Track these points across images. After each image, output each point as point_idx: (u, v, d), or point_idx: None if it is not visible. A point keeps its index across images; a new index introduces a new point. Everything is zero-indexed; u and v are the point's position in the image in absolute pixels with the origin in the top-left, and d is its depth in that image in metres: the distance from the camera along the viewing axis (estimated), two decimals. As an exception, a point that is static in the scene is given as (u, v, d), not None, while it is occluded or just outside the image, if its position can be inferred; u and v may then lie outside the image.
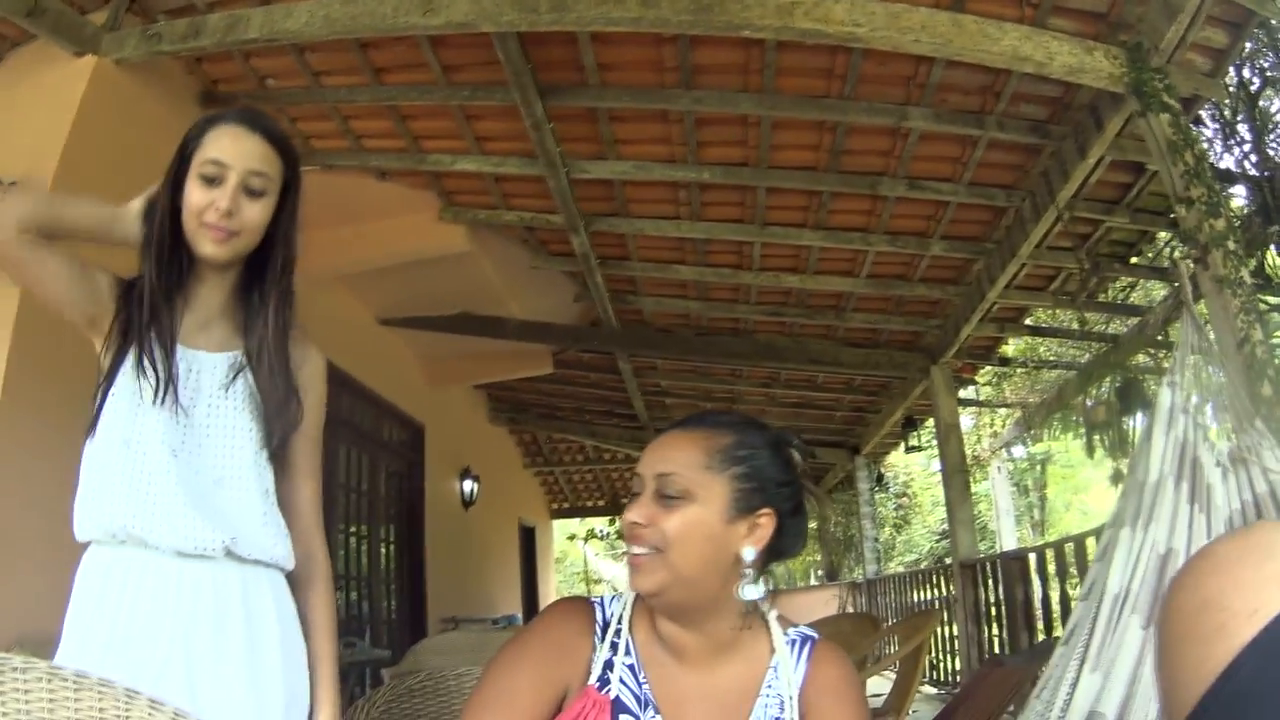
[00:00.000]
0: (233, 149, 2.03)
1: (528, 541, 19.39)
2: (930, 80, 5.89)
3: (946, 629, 10.55)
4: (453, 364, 12.50)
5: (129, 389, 2.00)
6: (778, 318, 10.01)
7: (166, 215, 2.04)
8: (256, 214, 2.06)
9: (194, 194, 2.01)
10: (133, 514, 1.95)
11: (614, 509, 22.62)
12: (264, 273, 2.17)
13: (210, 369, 2.10)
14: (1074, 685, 2.04)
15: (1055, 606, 7.72)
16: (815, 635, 1.83)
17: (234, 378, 2.10)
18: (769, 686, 1.73)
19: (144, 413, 2.00)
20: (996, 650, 8.56)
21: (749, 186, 7.35)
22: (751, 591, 1.71)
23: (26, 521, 4.47)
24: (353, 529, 10.96)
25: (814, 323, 10.04)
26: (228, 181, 2.00)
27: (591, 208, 7.90)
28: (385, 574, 11.92)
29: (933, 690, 9.76)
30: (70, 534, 2.02)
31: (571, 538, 31.39)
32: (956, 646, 10.29)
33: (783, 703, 1.72)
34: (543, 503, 21.39)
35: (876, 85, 6.06)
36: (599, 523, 28.45)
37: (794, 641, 1.78)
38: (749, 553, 1.70)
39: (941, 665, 10.86)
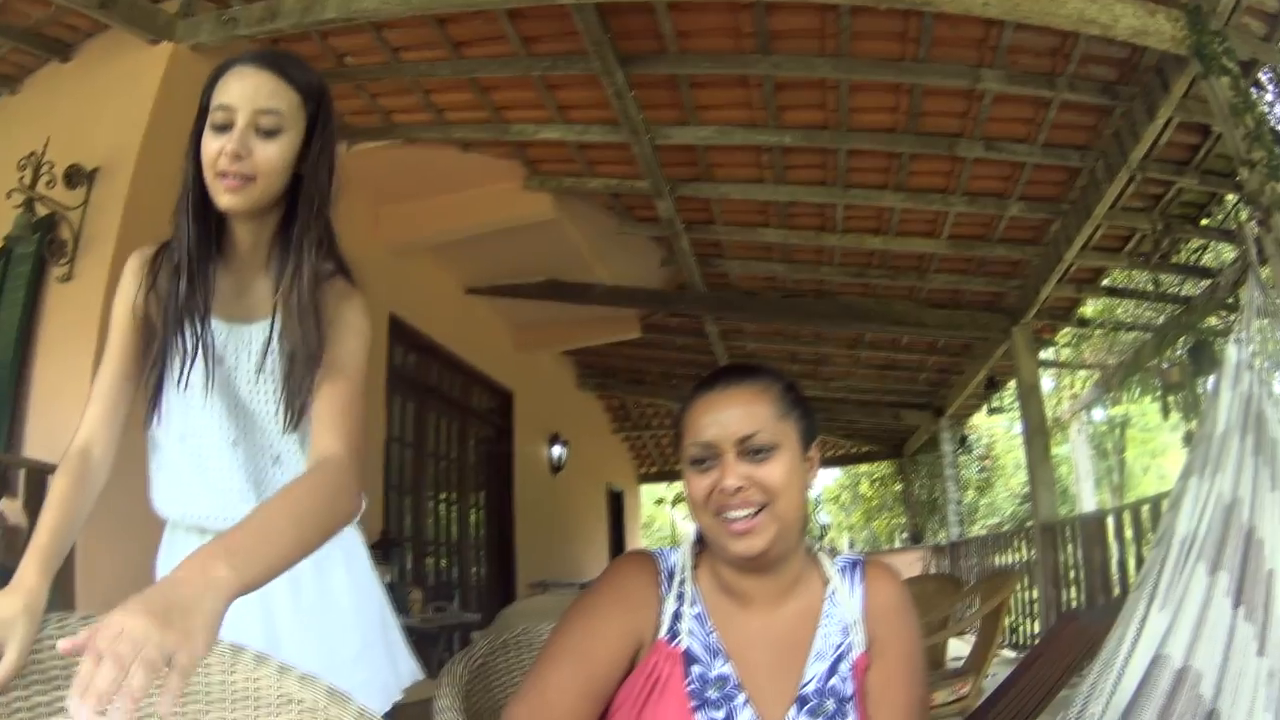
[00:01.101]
0: (239, 90, 1.84)
1: (615, 506, 19.50)
2: (1001, 42, 5.82)
3: (1026, 592, 10.47)
4: (541, 330, 12.60)
5: (180, 380, 1.95)
6: (861, 279, 9.95)
7: (191, 176, 1.89)
8: (272, 155, 1.85)
9: (207, 144, 1.84)
10: (199, 505, 2.01)
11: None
12: (294, 218, 1.96)
13: (247, 342, 1.98)
14: (1142, 623, 2.04)
15: (1132, 570, 7.65)
16: (861, 557, 1.87)
17: (268, 349, 1.95)
18: (826, 616, 1.76)
19: (194, 402, 1.96)
20: (1073, 613, 8.50)
21: (830, 149, 7.31)
22: (826, 516, 1.74)
23: (118, 499, 4.61)
24: (442, 496, 11.13)
25: (897, 284, 10.00)
26: (236, 124, 1.82)
27: (675, 173, 7.89)
28: (475, 539, 12.10)
29: (1011, 654, 9.67)
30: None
31: (659, 502, 31.48)
32: (1035, 609, 10.26)
33: (845, 628, 1.75)
34: (630, 467, 21.44)
35: (949, 48, 6.00)
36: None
37: (844, 567, 1.83)
38: (813, 483, 1.78)
39: (1021, 628, 10.78)
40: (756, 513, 1.65)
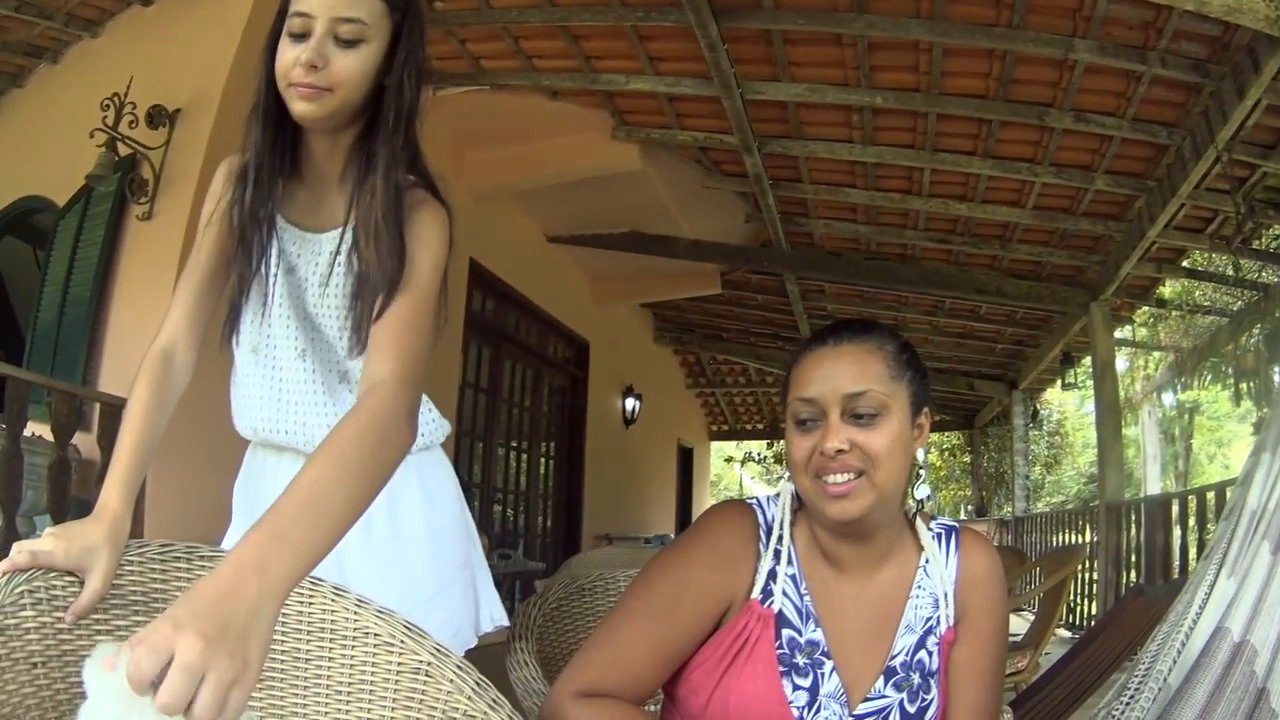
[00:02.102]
0: None
1: (685, 462, 19.47)
2: (1095, 13, 5.70)
3: (1087, 574, 10.37)
4: (620, 282, 12.62)
5: (253, 291, 1.90)
6: (944, 245, 9.87)
7: (265, 81, 1.81)
8: (351, 65, 1.75)
9: (283, 53, 1.74)
10: (272, 421, 1.98)
11: (773, 432, 22.54)
12: (375, 131, 1.85)
13: (316, 253, 1.91)
14: (1210, 589, 2.01)
15: (1193, 556, 7.55)
16: (956, 524, 1.81)
17: (335, 262, 1.87)
18: (919, 587, 1.71)
19: (265, 312, 1.92)
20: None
21: (920, 112, 7.23)
22: (924, 489, 1.70)
23: (186, 420, 4.67)
24: (513, 444, 11.21)
25: (980, 252, 9.92)
26: (314, 32, 1.71)
27: (765, 129, 7.83)
28: (543, 489, 12.17)
29: (1067, 634, 9.59)
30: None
31: (729, 460, 31.48)
32: (1095, 590, 10.16)
33: (936, 600, 1.70)
34: (702, 424, 21.43)
35: (1044, 15, 5.90)
36: (756, 446, 28.47)
37: (939, 535, 1.77)
38: (920, 453, 1.70)
39: (1079, 609, 10.70)
40: (855, 478, 1.59)
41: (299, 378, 1.95)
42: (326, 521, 1.29)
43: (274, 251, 1.89)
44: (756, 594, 1.67)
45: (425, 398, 2.03)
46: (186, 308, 1.86)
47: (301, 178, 1.92)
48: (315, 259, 1.91)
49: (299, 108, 1.75)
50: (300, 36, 1.72)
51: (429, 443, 2.07)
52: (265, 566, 1.15)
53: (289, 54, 1.73)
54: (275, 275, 1.90)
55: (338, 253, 1.85)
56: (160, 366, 1.79)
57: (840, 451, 1.58)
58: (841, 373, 1.63)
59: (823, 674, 1.64)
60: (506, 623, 2.15)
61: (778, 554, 1.70)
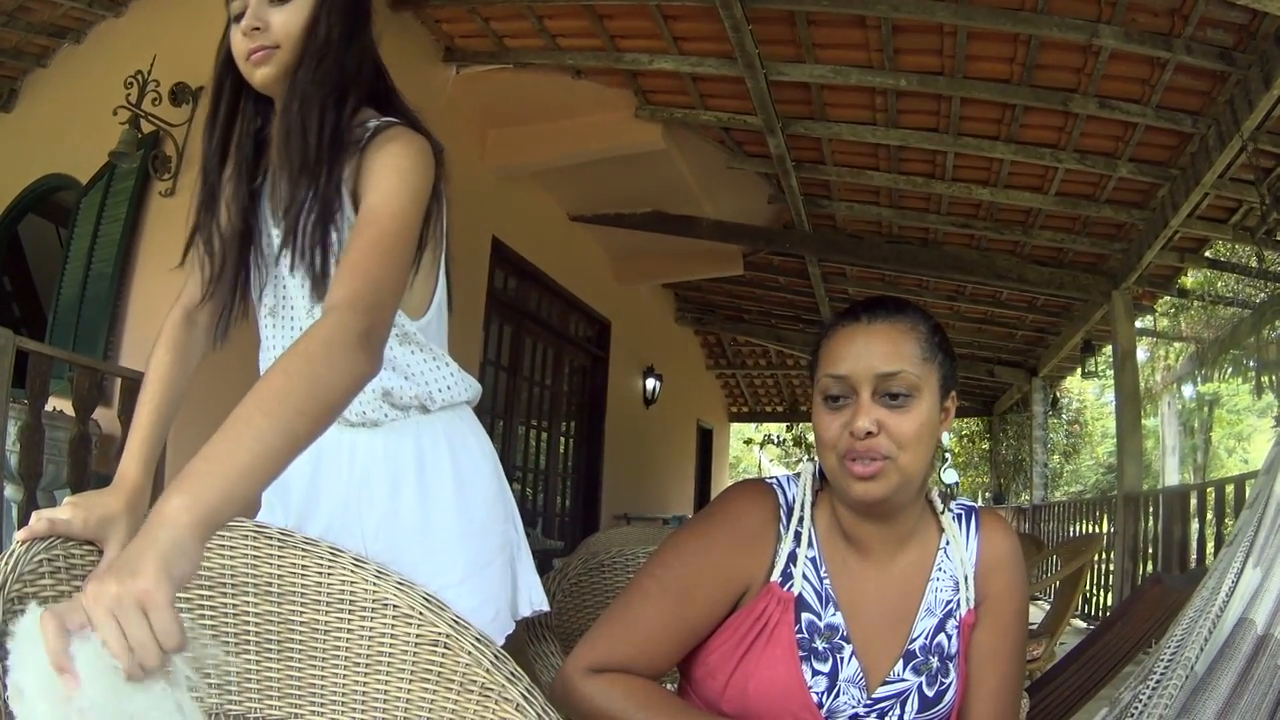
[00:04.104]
0: None
1: (704, 443, 19.53)
2: (1120, -1, 5.66)
3: (1103, 564, 10.36)
4: (642, 262, 12.61)
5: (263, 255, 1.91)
6: (967, 230, 9.83)
7: (228, 82, 1.86)
8: (287, 19, 1.77)
9: (231, 38, 1.81)
10: None
11: (793, 415, 22.58)
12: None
13: None
14: (1237, 578, 2.00)
15: (1210, 549, 7.52)
16: (976, 505, 1.80)
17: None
18: (939, 569, 1.70)
19: (278, 276, 1.90)
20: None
21: (944, 96, 7.20)
22: (951, 474, 1.69)
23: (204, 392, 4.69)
24: (533, 422, 11.22)
25: (1002, 237, 9.87)
26: (248, 4, 1.76)
27: (788, 110, 7.82)
28: (562, 468, 12.20)
29: (1082, 624, 9.56)
30: None
31: (748, 442, 31.57)
32: (1111, 581, 10.13)
33: (956, 583, 1.69)
34: (722, 405, 21.47)
35: (1069, 0, 5.87)
36: (775, 429, 28.49)
37: (959, 516, 1.75)
38: (945, 437, 1.67)
39: (1095, 599, 10.69)
40: (881, 462, 1.56)
41: None
42: (242, 453, 1.22)
43: (265, 225, 1.89)
44: (776, 576, 1.66)
45: (448, 358, 2.00)
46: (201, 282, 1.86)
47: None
48: None
49: (258, 75, 1.78)
50: (239, 16, 1.78)
51: (450, 400, 2.00)
52: (163, 504, 1.13)
53: (235, 35, 1.78)
54: (268, 245, 1.89)
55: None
56: (183, 329, 1.81)
57: (869, 434, 1.55)
58: (875, 351, 1.60)
59: (842, 658, 1.63)
60: (547, 607, 2.09)
61: (798, 536, 1.68)
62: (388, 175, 1.70)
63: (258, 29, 1.75)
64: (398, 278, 1.64)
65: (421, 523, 1.92)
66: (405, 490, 1.90)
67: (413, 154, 1.75)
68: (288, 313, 1.92)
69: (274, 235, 1.86)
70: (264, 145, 1.90)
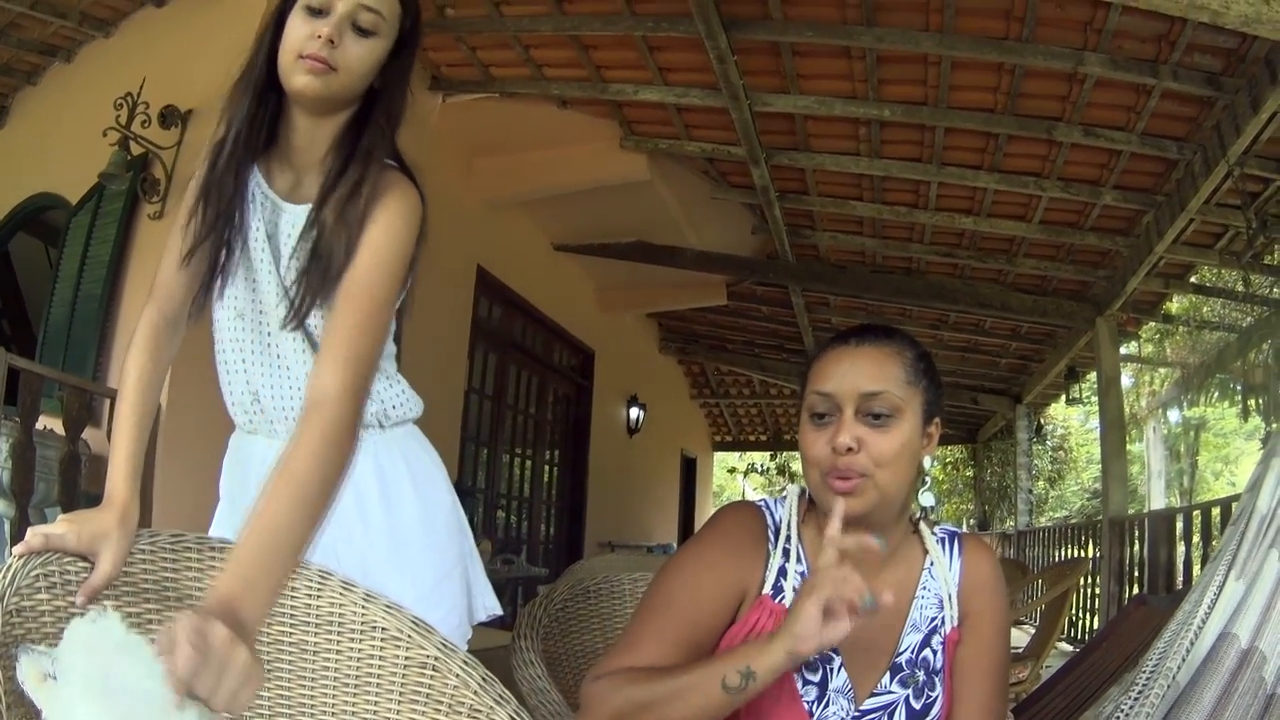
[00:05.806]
0: None
1: (688, 472, 19.48)
2: (1107, 26, 5.67)
3: (1089, 588, 10.39)
4: (626, 292, 12.63)
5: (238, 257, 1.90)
6: (950, 259, 9.86)
7: (264, 54, 1.81)
8: (361, 54, 1.78)
9: (296, 26, 1.75)
10: (249, 406, 1.99)
11: (776, 444, 22.65)
12: (367, 127, 1.85)
13: (290, 222, 1.88)
14: (1219, 591, 2.02)
15: (1196, 572, 7.53)
16: (960, 530, 1.86)
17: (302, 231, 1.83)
18: (924, 588, 1.76)
19: (254, 279, 1.90)
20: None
21: (928, 126, 7.22)
22: (928, 498, 1.73)
23: (189, 411, 4.67)
24: (518, 450, 11.22)
25: (985, 266, 9.90)
26: (335, 12, 1.73)
27: (772, 140, 7.85)
28: (547, 496, 12.19)
29: (1068, 647, 9.58)
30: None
31: (731, 471, 31.48)
32: (1097, 604, 10.17)
33: (940, 601, 1.75)
34: (705, 434, 21.45)
35: (1054, 29, 5.88)
36: (759, 457, 28.48)
37: (943, 540, 1.82)
38: (927, 461, 1.74)
39: (1081, 623, 10.71)
40: (859, 480, 1.62)
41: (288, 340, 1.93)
42: (290, 556, 1.42)
43: (251, 218, 1.89)
44: (768, 590, 1.71)
45: (399, 377, 2.07)
46: (177, 267, 1.87)
47: (281, 155, 1.91)
48: (290, 229, 1.88)
49: (301, 80, 1.75)
50: (318, 13, 1.74)
51: (402, 416, 2.06)
52: (236, 613, 1.27)
53: (304, 27, 1.74)
54: (254, 240, 1.89)
55: (306, 228, 1.82)
56: (159, 329, 1.83)
57: (849, 450, 1.61)
58: (860, 371, 1.67)
59: (831, 669, 1.68)
60: (500, 612, 2.14)
61: (786, 552, 1.75)
62: (384, 237, 1.75)
63: (334, 43, 1.74)
64: (381, 344, 1.75)
65: (389, 536, 1.97)
66: (370, 504, 1.95)
67: (406, 212, 1.80)
68: (257, 318, 1.94)
69: (258, 231, 1.89)
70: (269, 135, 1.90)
